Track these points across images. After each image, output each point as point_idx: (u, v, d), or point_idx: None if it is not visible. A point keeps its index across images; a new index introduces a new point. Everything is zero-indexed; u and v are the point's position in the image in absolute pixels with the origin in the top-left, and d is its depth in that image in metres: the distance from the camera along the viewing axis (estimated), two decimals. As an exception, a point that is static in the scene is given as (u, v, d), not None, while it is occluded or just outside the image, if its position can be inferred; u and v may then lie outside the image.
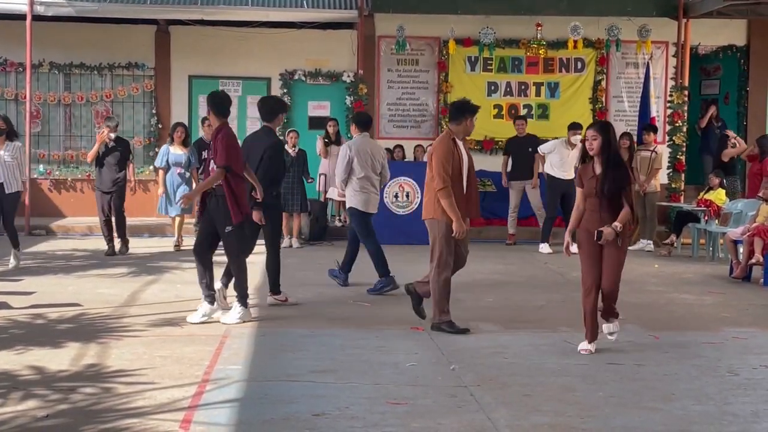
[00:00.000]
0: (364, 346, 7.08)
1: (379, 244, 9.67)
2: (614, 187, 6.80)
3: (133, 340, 7.14)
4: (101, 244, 12.37)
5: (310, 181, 13.78)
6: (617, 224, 6.78)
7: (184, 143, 12.85)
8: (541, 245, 13.33)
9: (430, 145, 15.40)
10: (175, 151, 12.73)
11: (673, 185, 15.53)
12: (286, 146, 12.68)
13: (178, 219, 12.83)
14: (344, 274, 9.92)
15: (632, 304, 8.83)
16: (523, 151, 14.16)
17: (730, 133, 15.20)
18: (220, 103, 7.97)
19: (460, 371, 6.33)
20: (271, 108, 8.80)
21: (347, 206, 10.00)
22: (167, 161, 12.72)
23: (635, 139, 14.26)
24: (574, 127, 13.55)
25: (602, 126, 7.12)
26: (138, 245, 13.07)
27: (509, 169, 14.26)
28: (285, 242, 12.95)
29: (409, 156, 15.43)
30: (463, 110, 7.72)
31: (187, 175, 12.76)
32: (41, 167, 15.92)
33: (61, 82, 16.15)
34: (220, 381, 5.97)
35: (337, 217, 14.98)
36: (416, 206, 14.03)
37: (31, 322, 7.77)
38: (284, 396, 5.62)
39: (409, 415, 5.31)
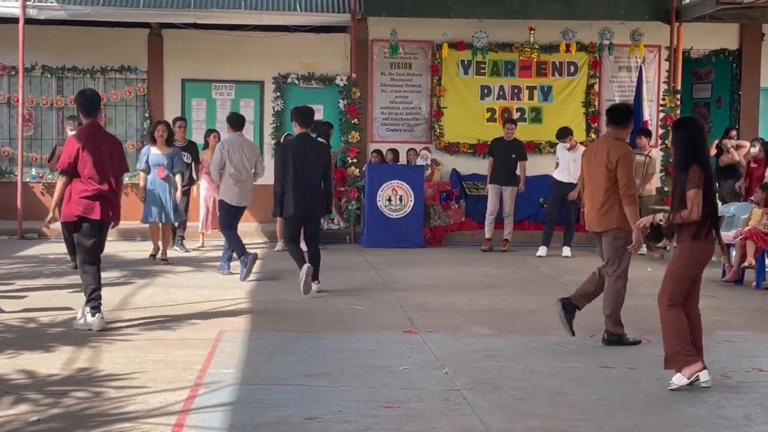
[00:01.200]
0: (357, 349, 7.07)
1: (235, 235, 10.65)
2: (676, 189, 6.16)
3: (125, 343, 7.12)
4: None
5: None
6: (660, 216, 6.34)
7: (168, 143, 11.85)
8: (541, 248, 13.22)
9: (425, 148, 15.79)
10: (156, 152, 11.74)
11: (666, 189, 15.53)
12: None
13: (156, 226, 11.85)
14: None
15: (625, 307, 8.79)
16: (505, 156, 13.75)
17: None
18: (85, 102, 7.83)
19: (453, 375, 6.33)
20: (309, 115, 9.75)
21: (219, 198, 10.93)
22: (146, 162, 11.71)
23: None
24: (563, 134, 13.46)
25: (676, 122, 6.65)
26: (130, 249, 13.04)
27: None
28: (278, 245, 12.93)
29: (402, 160, 15.41)
30: (628, 113, 7.75)
31: (172, 177, 11.80)
32: (33, 171, 15.87)
33: (53, 86, 16.11)
34: (213, 385, 5.95)
35: (331, 221, 14.96)
36: (409, 210, 14.03)
37: (23, 326, 7.74)
38: (277, 399, 5.61)
39: (402, 418, 5.30)
